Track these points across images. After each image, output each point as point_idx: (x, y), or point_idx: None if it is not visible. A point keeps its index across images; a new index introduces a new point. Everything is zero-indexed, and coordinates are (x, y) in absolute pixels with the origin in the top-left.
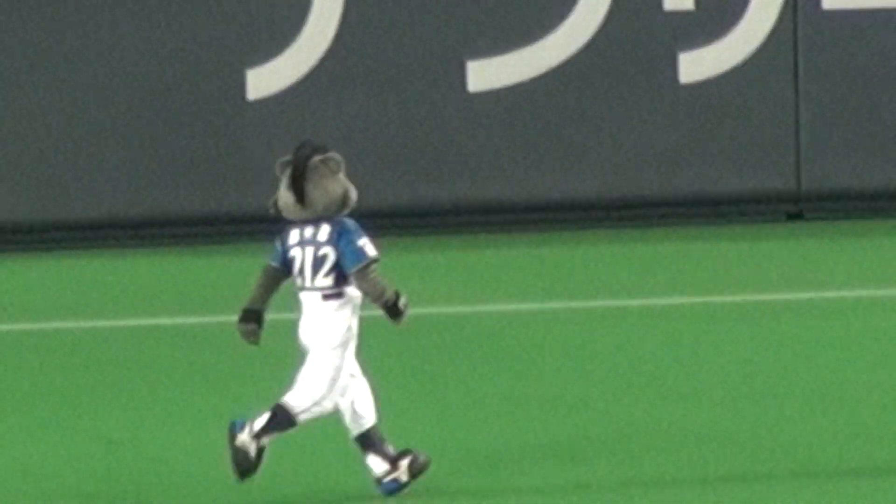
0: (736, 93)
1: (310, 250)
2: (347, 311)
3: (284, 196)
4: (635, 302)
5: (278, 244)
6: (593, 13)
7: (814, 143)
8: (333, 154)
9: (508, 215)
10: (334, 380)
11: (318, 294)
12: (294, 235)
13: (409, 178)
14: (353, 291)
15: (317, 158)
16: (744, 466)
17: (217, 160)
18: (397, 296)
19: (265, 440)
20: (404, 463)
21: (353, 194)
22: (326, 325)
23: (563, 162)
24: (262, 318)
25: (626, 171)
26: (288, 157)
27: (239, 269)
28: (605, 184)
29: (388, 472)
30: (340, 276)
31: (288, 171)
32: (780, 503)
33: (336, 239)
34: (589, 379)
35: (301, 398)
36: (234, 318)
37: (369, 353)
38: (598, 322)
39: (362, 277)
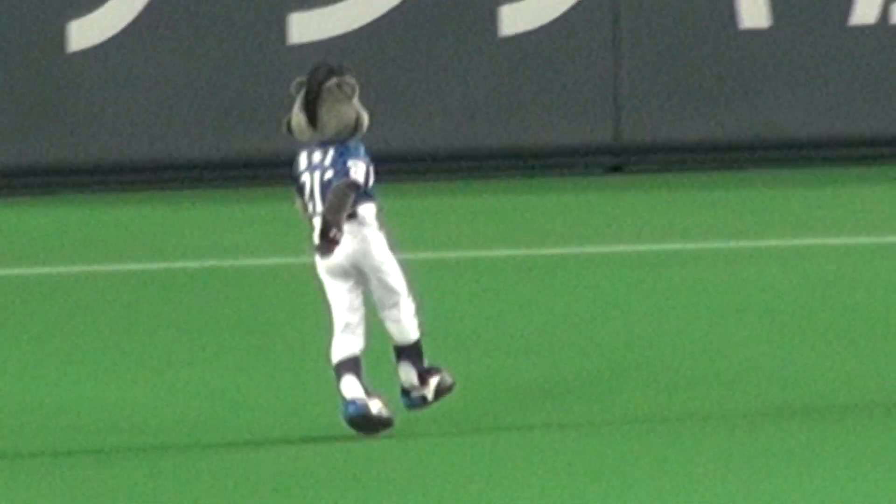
0: (556, 45)
1: (317, 175)
2: (368, 231)
3: (297, 117)
4: (456, 254)
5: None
6: None
7: (633, 96)
8: (349, 78)
9: None
10: (403, 280)
11: None
12: (303, 161)
13: (230, 130)
14: (363, 211)
15: (332, 81)
16: (557, 415)
17: (38, 111)
18: (338, 228)
19: (431, 373)
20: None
21: (366, 119)
22: (360, 247)
23: (385, 114)
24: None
25: (447, 123)
26: (303, 78)
27: (58, 220)
28: (428, 137)
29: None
30: None
31: (302, 92)
32: (590, 450)
33: (337, 159)
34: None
35: (406, 329)
36: (64, 269)
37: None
38: (420, 275)
39: (333, 191)
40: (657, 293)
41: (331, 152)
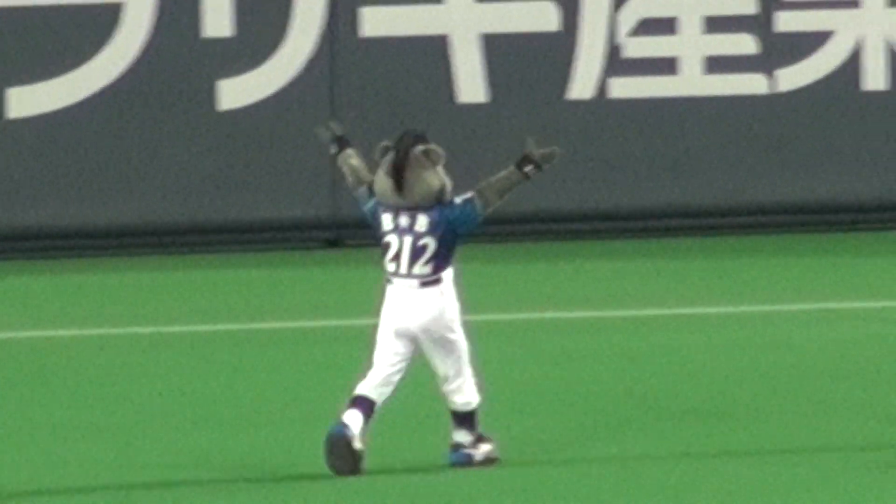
0: (275, 120)
1: (408, 239)
2: (447, 294)
3: (383, 181)
4: (174, 329)
5: (370, 206)
6: (132, 39)
7: None
8: (435, 146)
9: (49, 242)
10: (468, 349)
11: (416, 281)
12: (388, 222)
13: None
14: (447, 276)
15: (419, 149)
16: (275, 488)
17: None
18: (524, 169)
19: (484, 440)
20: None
21: (449, 187)
22: (437, 315)
23: (104, 188)
24: (345, 140)
25: (167, 197)
26: (388, 143)
27: None
28: (147, 210)
29: (466, 446)
30: (438, 264)
31: (388, 158)
32: None
33: (438, 226)
34: (134, 405)
35: (466, 394)
36: None
37: None
38: (138, 349)
39: (488, 203)
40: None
41: (422, 218)
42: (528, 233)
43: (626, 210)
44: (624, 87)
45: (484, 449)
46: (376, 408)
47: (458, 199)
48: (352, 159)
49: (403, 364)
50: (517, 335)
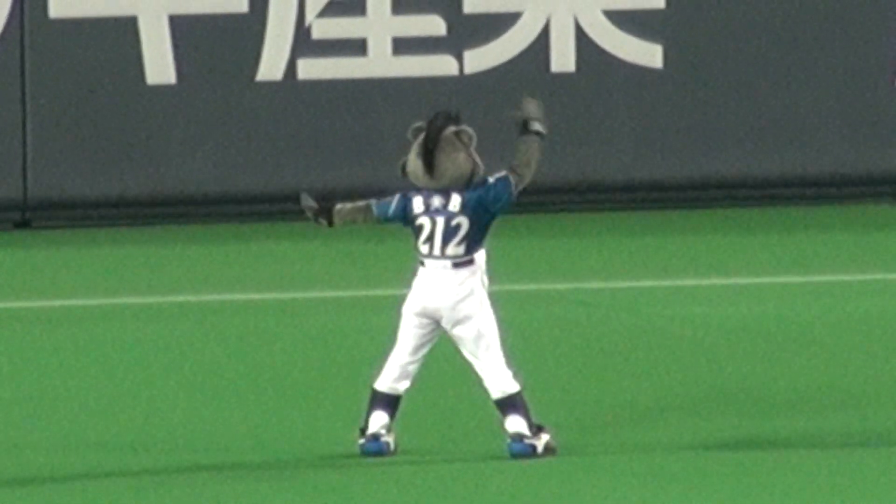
0: None
1: (441, 220)
2: (477, 276)
3: (414, 163)
4: None
5: (396, 203)
6: None
7: (40, 152)
8: (466, 127)
9: None
10: (497, 333)
11: (449, 262)
12: (419, 204)
13: None
14: (479, 258)
15: (450, 130)
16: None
17: None
18: (534, 129)
19: (540, 429)
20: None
21: (481, 169)
22: (466, 295)
23: None
24: (331, 211)
25: None
26: (421, 124)
27: None
28: None
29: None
30: (471, 244)
31: (420, 139)
32: None
33: (472, 205)
34: None
35: (502, 381)
36: None
37: None
38: None
39: (521, 178)
40: (61, 350)
41: (455, 197)
42: (228, 214)
43: (315, 191)
44: (313, 69)
45: (544, 439)
46: (400, 401)
47: (490, 178)
48: (344, 210)
49: (423, 353)
50: (203, 317)
